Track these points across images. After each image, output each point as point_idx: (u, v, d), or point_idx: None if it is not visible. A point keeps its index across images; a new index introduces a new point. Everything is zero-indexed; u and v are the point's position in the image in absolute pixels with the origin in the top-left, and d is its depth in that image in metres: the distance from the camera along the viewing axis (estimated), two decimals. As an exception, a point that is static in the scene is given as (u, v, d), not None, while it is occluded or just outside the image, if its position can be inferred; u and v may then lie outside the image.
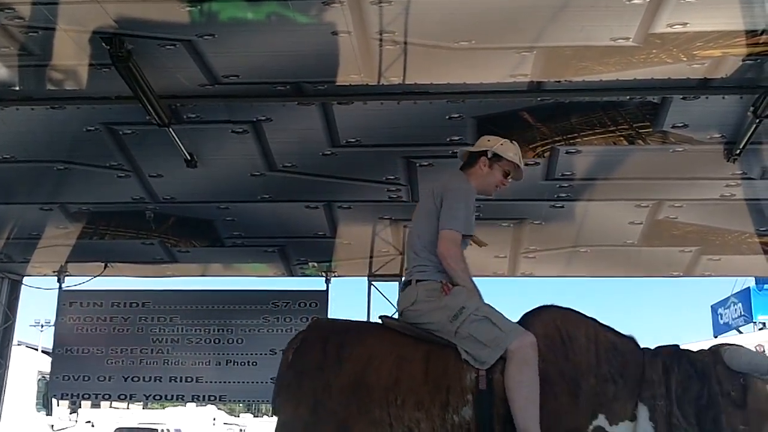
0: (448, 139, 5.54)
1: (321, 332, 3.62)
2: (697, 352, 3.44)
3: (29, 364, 16.20)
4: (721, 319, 24.32)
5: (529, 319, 3.42)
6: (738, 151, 5.47)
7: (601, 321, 3.49)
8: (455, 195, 3.58)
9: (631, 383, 3.27)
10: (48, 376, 9.26)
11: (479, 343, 3.26)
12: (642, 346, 3.41)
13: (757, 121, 4.98)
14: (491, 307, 3.41)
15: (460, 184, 3.66)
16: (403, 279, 3.84)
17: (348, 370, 3.38)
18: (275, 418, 3.52)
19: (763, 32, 4.33)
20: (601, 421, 3.22)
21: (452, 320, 3.34)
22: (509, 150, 3.75)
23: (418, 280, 3.52)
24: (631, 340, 3.43)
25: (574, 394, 3.25)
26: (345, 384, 3.36)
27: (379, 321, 3.68)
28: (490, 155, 3.72)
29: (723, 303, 24.18)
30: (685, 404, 3.23)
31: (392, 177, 6.10)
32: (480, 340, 3.26)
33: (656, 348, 3.43)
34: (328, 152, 5.73)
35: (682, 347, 3.44)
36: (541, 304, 3.53)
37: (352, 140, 5.61)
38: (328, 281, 8.44)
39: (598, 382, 3.27)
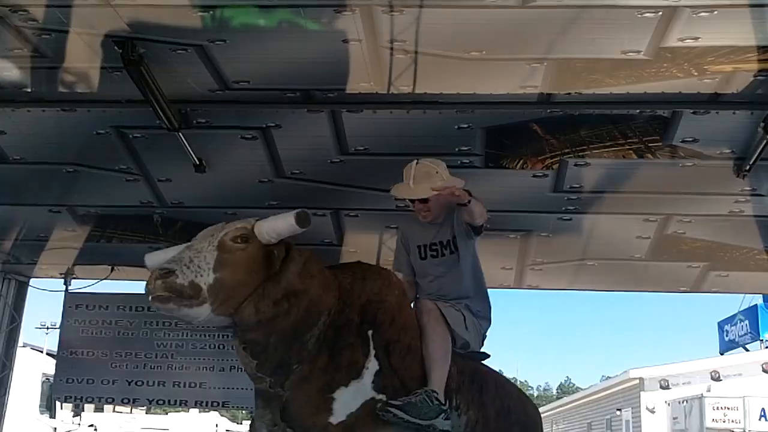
0: (456, 149, 5.54)
1: None
2: None
3: (34, 366, 16.23)
4: (728, 336, 24.21)
5: None
6: (748, 167, 5.44)
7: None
8: None
9: None
10: (52, 378, 9.27)
11: None
12: None
13: (768, 137, 4.96)
14: None
15: None
16: None
17: None
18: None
19: (774, 48, 4.32)
20: None
21: None
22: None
23: None
24: None
25: None
26: None
27: None
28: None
29: (730, 320, 24.08)
30: None
31: (400, 186, 6.09)
32: None
33: None
34: (337, 160, 5.74)
35: None
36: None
37: (361, 148, 5.62)
38: (333, 289, 8.41)
39: None
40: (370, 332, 3.68)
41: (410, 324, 3.85)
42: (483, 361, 4.32)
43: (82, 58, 4.69)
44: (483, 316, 4.27)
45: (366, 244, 7.33)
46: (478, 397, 4.01)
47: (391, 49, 4.48)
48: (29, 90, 5.13)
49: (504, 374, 4.85)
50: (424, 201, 4.12)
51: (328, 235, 7.08)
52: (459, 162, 5.65)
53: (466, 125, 5.28)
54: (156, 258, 3.77)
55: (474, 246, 4.27)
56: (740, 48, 4.35)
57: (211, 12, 4.21)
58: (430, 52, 4.51)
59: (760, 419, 16.73)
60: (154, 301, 3.41)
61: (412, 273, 4.33)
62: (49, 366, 11.84)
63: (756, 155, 5.25)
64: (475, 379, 4.07)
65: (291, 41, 4.45)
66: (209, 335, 8.50)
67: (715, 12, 4.03)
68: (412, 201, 4.20)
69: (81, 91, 5.09)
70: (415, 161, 4.12)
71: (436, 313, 3.88)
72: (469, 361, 4.11)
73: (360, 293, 3.78)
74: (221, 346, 8.46)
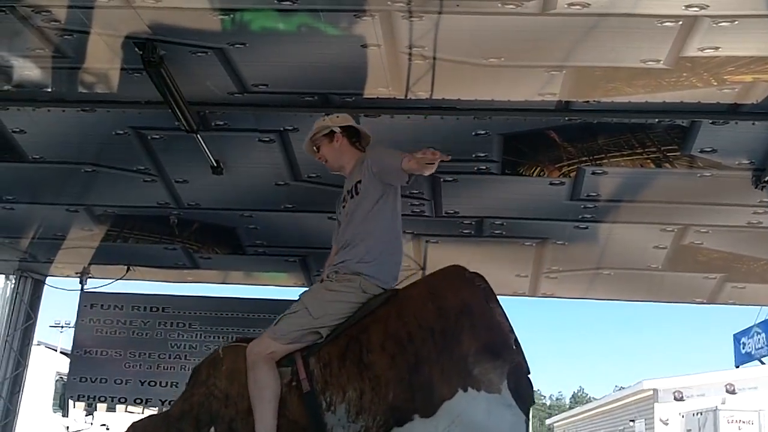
0: (473, 156, 5.53)
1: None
2: None
3: (48, 364, 16.34)
4: (744, 348, 23.98)
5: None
6: (767, 178, 5.41)
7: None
8: None
9: None
10: (65, 377, 9.32)
11: None
12: None
13: (788, 148, 4.93)
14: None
15: None
16: None
17: None
18: None
19: (795, 59, 4.29)
20: None
21: None
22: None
23: None
24: None
25: None
26: None
27: None
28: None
29: (746, 332, 23.85)
30: None
31: (416, 191, 6.09)
32: None
33: None
34: (354, 164, 5.75)
35: None
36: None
37: (378, 153, 5.62)
38: (347, 293, 8.42)
39: None
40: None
41: (242, 386, 3.79)
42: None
43: (103, 59, 4.73)
44: (373, 260, 3.84)
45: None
46: (349, 372, 3.62)
47: (410, 54, 4.48)
48: (50, 90, 5.18)
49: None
50: (318, 150, 4.20)
51: (343, 239, 7.08)
52: (476, 168, 5.65)
53: (483, 132, 5.27)
54: None
55: (391, 193, 3.94)
56: (761, 58, 4.32)
57: (231, 15, 4.23)
58: (448, 58, 4.51)
59: (775, 433, 16.58)
60: None
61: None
62: (63, 365, 11.93)
63: (775, 166, 5.22)
64: (343, 352, 3.66)
65: (310, 45, 4.46)
66: (223, 336, 8.52)
67: (736, 22, 4.01)
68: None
69: (101, 91, 5.13)
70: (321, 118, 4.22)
71: (252, 357, 3.74)
72: (338, 338, 3.70)
73: (192, 396, 3.99)
74: (234, 348, 8.47)
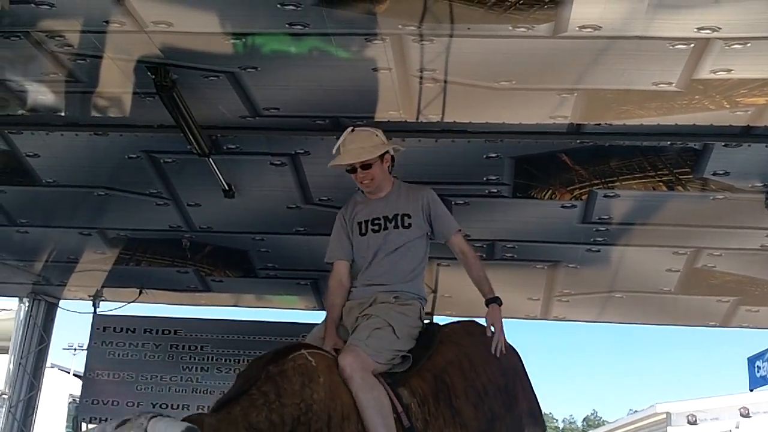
0: (485, 179, 5.53)
1: None
2: None
3: (61, 386, 16.34)
4: (758, 372, 23.70)
5: None
6: (780, 201, 5.37)
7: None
8: None
9: None
10: (78, 399, 9.32)
11: None
12: None
13: (800, 171, 4.90)
14: None
15: None
16: None
17: None
18: None
19: (808, 81, 4.27)
20: None
21: None
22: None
23: None
24: None
25: None
26: None
27: None
28: None
29: (761, 356, 23.58)
30: None
31: (428, 215, 6.08)
32: None
33: None
34: (365, 187, 5.75)
35: None
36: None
37: (389, 176, 5.62)
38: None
39: None
40: None
41: (345, 407, 3.28)
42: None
43: (116, 84, 4.77)
44: (423, 291, 3.96)
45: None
46: (441, 411, 3.55)
47: (421, 78, 4.49)
48: (63, 114, 5.23)
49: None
50: (367, 167, 3.83)
51: (355, 262, 7.07)
52: (487, 191, 5.64)
53: (494, 155, 5.26)
54: None
55: (427, 243, 4.03)
56: (773, 81, 4.31)
57: (243, 39, 4.26)
58: (459, 81, 4.52)
59: (789, 457, 16.34)
60: None
61: (349, 256, 4.01)
62: (76, 387, 11.91)
63: (788, 189, 5.19)
64: (435, 391, 3.58)
65: (321, 69, 4.48)
66: (234, 359, 8.51)
67: (749, 44, 4.00)
68: (352, 171, 3.89)
69: (113, 115, 5.16)
70: (350, 129, 3.90)
71: (359, 373, 3.35)
72: (423, 373, 3.61)
73: (284, 407, 3.16)
74: (246, 371, 8.46)
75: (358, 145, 3.86)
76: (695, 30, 3.91)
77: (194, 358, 8.60)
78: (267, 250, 6.98)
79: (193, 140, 5.07)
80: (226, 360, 8.54)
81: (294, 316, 9.19)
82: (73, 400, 15.56)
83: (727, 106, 4.58)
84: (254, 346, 8.50)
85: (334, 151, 3.97)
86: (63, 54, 4.46)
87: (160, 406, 8.49)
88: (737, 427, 18.44)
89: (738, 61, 4.16)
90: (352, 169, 3.89)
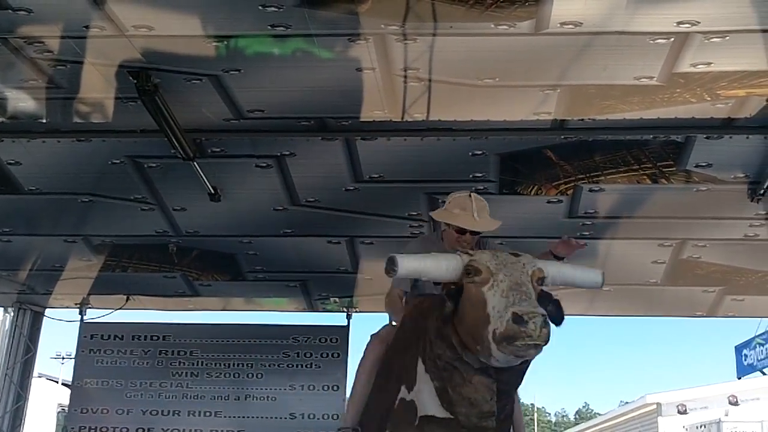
0: (471, 176, 5.54)
1: None
2: None
3: (49, 396, 16.22)
4: (746, 360, 23.90)
5: None
6: (762, 191, 5.42)
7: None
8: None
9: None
10: (67, 408, 9.25)
11: None
12: None
13: (782, 160, 4.95)
14: None
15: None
16: None
17: None
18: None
19: (787, 72, 4.32)
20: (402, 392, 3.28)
21: None
22: (444, 216, 3.76)
23: None
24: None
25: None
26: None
27: None
28: (442, 227, 3.85)
29: (747, 344, 23.79)
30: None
31: (414, 213, 6.09)
32: None
33: None
34: (351, 188, 5.75)
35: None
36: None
37: (375, 176, 5.63)
38: (349, 317, 8.41)
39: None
40: None
41: None
42: None
43: (97, 89, 4.74)
44: None
45: (381, 272, 7.28)
46: None
47: (405, 77, 4.50)
48: (44, 121, 5.19)
49: (521, 400, 4.61)
50: (475, 234, 3.81)
51: (343, 262, 7.07)
52: (473, 188, 5.62)
53: (480, 152, 5.28)
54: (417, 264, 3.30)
55: None
56: (753, 73, 4.35)
57: (225, 42, 4.25)
58: (443, 79, 4.53)
59: (778, 443, 16.52)
60: (532, 350, 2.80)
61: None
62: (65, 396, 11.83)
63: (771, 179, 5.23)
64: None
65: (305, 70, 4.48)
66: (225, 364, 8.48)
67: (728, 37, 4.03)
68: (461, 232, 3.79)
69: (96, 121, 5.14)
70: (468, 193, 3.82)
71: None
72: None
73: None
74: (236, 375, 8.44)
75: (486, 215, 3.81)
76: (675, 24, 3.95)
77: (184, 364, 8.53)
78: (255, 252, 6.97)
79: (177, 144, 5.05)
80: (216, 364, 8.49)
81: (284, 318, 9.17)
82: (62, 409, 15.46)
83: (708, 98, 4.62)
84: (244, 349, 8.49)
85: (456, 211, 3.76)
86: (43, 60, 4.43)
87: (151, 413, 8.44)
88: (726, 415, 18.60)
89: (717, 54, 4.20)
90: (461, 231, 3.76)
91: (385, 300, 3.95)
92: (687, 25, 3.94)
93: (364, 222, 6.29)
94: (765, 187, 5.35)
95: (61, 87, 4.74)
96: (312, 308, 8.45)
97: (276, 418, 8.25)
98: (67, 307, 8.75)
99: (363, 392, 3.68)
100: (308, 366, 8.28)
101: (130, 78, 4.49)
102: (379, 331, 3.85)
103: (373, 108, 4.84)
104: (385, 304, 3.95)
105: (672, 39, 4.07)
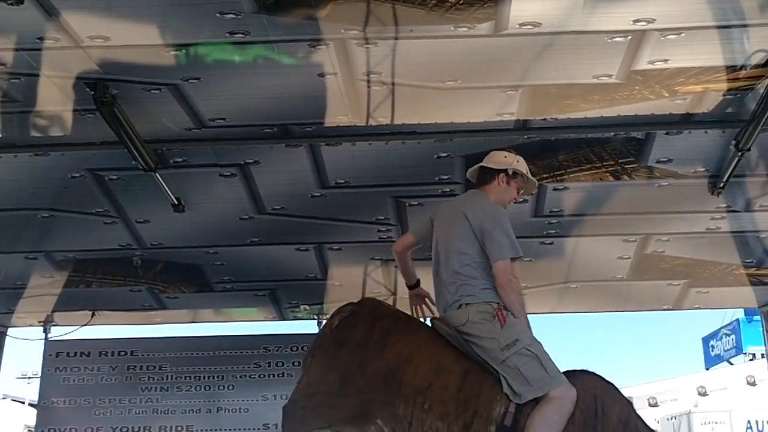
0: (436, 178, 5.55)
1: (372, 312, 3.69)
2: None
3: (15, 417, 15.92)
4: (713, 351, 24.32)
5: (570, 378, 3.43)
6: (722, 185, 5.50)
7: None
8: (496, 222, 3.64)
9: None
10: (34, 429, 9.07)
11: (523, 379, 3.33)
12: None
13: (739, 154, 5.02)
14: (542, 346, 3.48)
15: (496, 209, 3.74)
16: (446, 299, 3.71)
17: (387, 358, 3.45)
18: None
19: (742, 68, 4.39)
20: None
21: (504, 349, 3.39)
22: (523, 166, 3.89)
23: (467, 303, 3.55)
24: None
25: None
26: (380, 369, 3.41)
27: (429, 323, 3.77)
28: (510, 173, 3.83)
29: (714, 335, 24.21)
30: None
31: (382, 217, 6.09)
32: (525, 376, 3.33)
33: None
34: (317, 194, 5.73)
35: None
36: (583, 369, 3.61)
37: (341, 181, 5.61)
38: (320, 324, 8.36)
39: None
40: None
41: None
42: None
43: (54, 102, 4.66)
44: None
45: (351, 277, 7.30)
46: None
47: (368, 81, 4.50)
48: (0, 136, 5.08)
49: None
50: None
51: (312, 269, 7.04)
52: (440, 191, 5.66)
53: (445, 154, 5.29)
54: None
55: None
56: (709, 68, 4.41)
57: (184, 50, 4.20)
58: (406, 83, 4.53)
59: (746, 431, 16.80)
60: None
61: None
62: (32, 417, 11.62)
63: (729, 173, 5.32)
64: None
65: (266, 77, 4.45)
66: (195, 377, 8.39)
67: (683, 34, 4.09)
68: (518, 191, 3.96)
69: (54, 134, 5.04)
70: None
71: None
72: None
73: None
74: (207, 388, 8.36)
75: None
76: (631, 22, 3.99)
77: (153, 378, 8.42)
78: (221, 263, 6.90)
79: (138, 155, 4.98)
80: (186, 378, 8.40)
81: (254, 329, 9.09)
82: (29, 430, 15.17)
83: (666, 95, 4.68)
84: (215, 361, 8.40)
85: (529, 175, 3.97)
86: (-4, 74, 4.34)
87: (121, 430, 8.32)
88: (696, 406, 18.90)
89: (674, 51, 4.25)
90: (518, 191, 3.98)
91: (509, 284, 3.59)
92: (643, 23, 3.99)
93: (331, 228, 6.27)
94: (724, 180, 5.43)
95: (16, 101, 4.64)
96: (282, 317, 8.39)
97: (249, 429, 8.18)
98: (31, 326, 8.57)
99: None
100: (280, 375, 8.21)
101: (88, 90, 4.42)
102: None
103: (337, 113, 4.82)
104: (508, 289, 3.58)
105: (629, 37, 4.11)
